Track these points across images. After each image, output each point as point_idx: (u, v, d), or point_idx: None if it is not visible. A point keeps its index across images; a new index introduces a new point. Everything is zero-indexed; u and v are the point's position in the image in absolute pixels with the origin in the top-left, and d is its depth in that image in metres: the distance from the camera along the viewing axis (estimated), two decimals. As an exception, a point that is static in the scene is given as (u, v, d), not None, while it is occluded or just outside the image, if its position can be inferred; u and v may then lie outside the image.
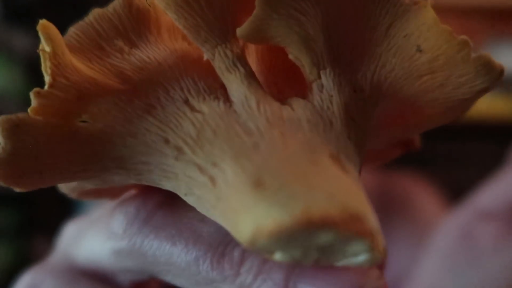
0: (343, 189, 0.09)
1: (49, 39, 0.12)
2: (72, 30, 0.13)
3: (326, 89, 0.12)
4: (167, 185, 0.12)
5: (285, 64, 0.13)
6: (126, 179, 0.13)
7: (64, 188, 0.15)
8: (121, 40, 0.14)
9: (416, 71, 0.13)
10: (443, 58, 0.12)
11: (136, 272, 0.14)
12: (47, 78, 0.12)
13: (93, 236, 0.15)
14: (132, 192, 0.14)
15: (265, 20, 0.12)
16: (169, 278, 0.13)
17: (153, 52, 0.14)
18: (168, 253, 0.13)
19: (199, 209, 0.12)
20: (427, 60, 0.12)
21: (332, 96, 0.12)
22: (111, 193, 0.15)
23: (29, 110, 0.11)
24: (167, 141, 0.12)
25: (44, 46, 0.12)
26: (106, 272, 0.15)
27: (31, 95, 0.12)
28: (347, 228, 0.09)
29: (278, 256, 0.10)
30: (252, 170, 0.10)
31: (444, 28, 0.12)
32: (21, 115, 0.11)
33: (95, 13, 0.14)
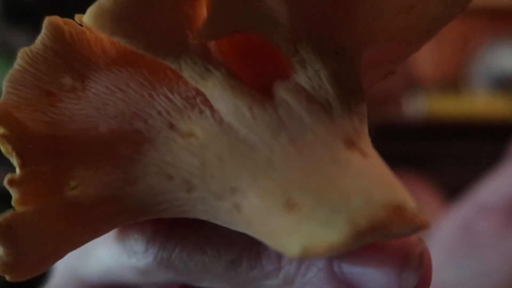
0: (373, 181, 0.09)
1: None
2: (7, 84, 0.12)
3: (309, 64, 0.12)
4: (187, 216, 0.12)
5: (252, 42, 0.12)
6: (142, 220, 0.12)
7: None
8: (68, 77, 0.12)
9: (392, 10, 0.12)
10: None
11: (164, 284, 0.14)
12: (14, 161, 0.10)
13: (105, 254, 0.14)
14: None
15: (225, 13, 0.11)
16: (205, 284, 0.13)
17: (109, 79, 0.12)
18: (201, 261, 0.12)
19: (230, 227, 0.11)
20: None
21: (318, 70, 0.11)
22: None
23: (13, 203, 0.10)
24: (170, 177, 0.11)
25: (-6, 128, 0.10)
26: (126, 286, 0.15)
27: (6, 185, 0.10)
28: (395, 224, 0.09)
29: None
30: (277, 190, 0.10)
31: None
32: (8, 214, 0.10)
33: (23, 56, 0.12)
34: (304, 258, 0.09)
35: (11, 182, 0.10)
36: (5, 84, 0.12)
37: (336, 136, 0.10)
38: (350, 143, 0.10)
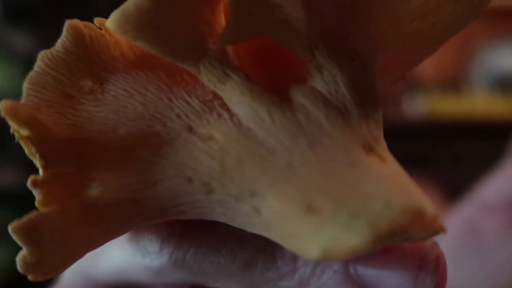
0: (392, 185, 0.09)
1: (21, 122, 0.10)
2: (27, 86, 0.12)
3: (325, 69, 0.12)
4: (206, 217, 0.12)
5: (268, 46, 0.12)
6: (157, 222, 0.12)
7: None
8: (87, 79, 0.12)
9: (407, 17, 0.12)
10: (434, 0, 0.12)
11: (179, 284, 0.14)
12: (38, 163, 0.10)
13: (118, 254, 0.15)
14: None
15: (244, 18, 0.11)
16: (219, 284, 0.13)
17: (127, 82, 0.12)
18: (216, 262, 0.13)
19: (247, 230, 0.12)
20: (418, 5, 0.12)
21: (335, 75, 0.12)
22: None
23: (36, 204, 0.10)
24: (190, 180, 0.11)
25: (19, 131, 0.10)
26: (139, 286, 0.15)
27: (30, 187, 0.10)
28: (415, 228, 0.09)
29: (342, 257, 0.10)
30: (297, 194, 0.10)
31: None
32: (32, 215, 0.10)
33: (43, 58, 0.12)
34: (324, 261, 0.09)
35: (35, 183, 0.10)
36: (25, 85, 0.12)
37: (354, 141, 0.10)
38: (369, 148, 0.10)
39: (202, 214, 0.12)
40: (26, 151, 0.10)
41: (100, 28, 0.12)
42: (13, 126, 0.10)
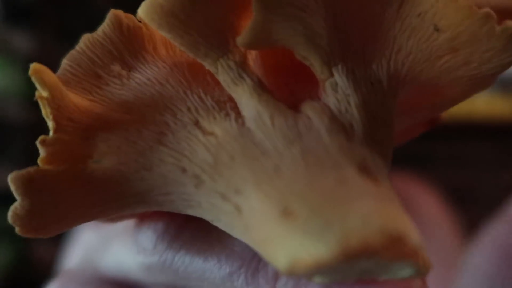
0: (378, 207, 0.09)
1: (44, 84, 0.11)
2: (65, 62, 0.13)
3: (341, 88, 0.12)
4: (192, 213, 0.12)
5: (294, 62, 0.12)
6: (148, 209, 0.12)
7: None
8: (117, 64, 0.13)
9: (435, 52, 0.12)
10: (465, 35, 0.11)
11: (167, 286, 0.14)
12: (50, 124, 0.11)
13: (120, 248, 0.15)
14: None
15: (265, 25, 0.11)
16: None
17: (152, 73, 0.13)
18: (201, 268, 0.12)
19: (230, 233, 0.11)
20: (446, 39, 0.11)
21: (349, 95, 0.11)
22: (138, 215, 0.15)
23: (38, 161, 0.11)
24: (184, 170, 0.11)
25: (41, 91, 0.11)
26: (135, 284, 0.15)
27: (38, 145, 0.11)
28: (389, 253, 0.08)
29: (317, 279, 0.10)
30: (277, 197, 0.09)
31: (462, 3, 0.11)
32: (32, 169, 0.11)
33: (85, 40, 0.13)
34: (291, 273, 0.09)
35: (43, 142, 0.11)
36: (63, 61, 0.13)
37: (350, 159, 0.10)
38: (364, 169, 0.10)
39: (189, 207, 0.12)
40: (43, 112, 0.11)
41: (140, 21, 0.13)
42: (37, 86, 0.11)
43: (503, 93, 0.97)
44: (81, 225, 0.18)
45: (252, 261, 0.12)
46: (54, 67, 0.12)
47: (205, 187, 0.11)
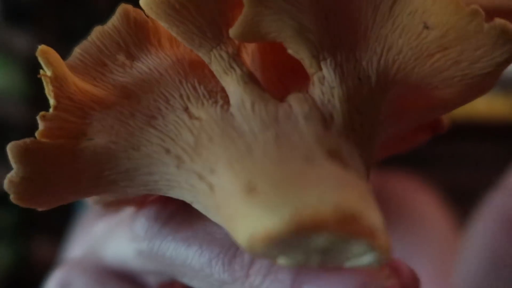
0: (339, 187, 0.09)
1: (49, 63, 0.12)
2: (77, 50, 0.14)
3: (327, 81, 0.12)
4: (174, 194, 0.12)
5: (290, 58, 0.13)
6: (136, 191, 0.13)
7: (90, 200, 0.15)
8: (122, 54, 0.14)
9: (426, 50, 0.12)
10: (453, 32, 0.11)
11: (159, 274, 0.14)
12: (51, 101, 0.12)
13: (119, 237, 0.15)
14: (153, 197, 0.15)
15: (255, 17, 0.12)
16: (186, 280, 0.13)
17: (153, 63, 0.14)
18: (184, 254, 0.13)
19: (207, 215, 0.12)
20: (436, 37, 0.11)
21: (333, 87, 0.12)
22: (134, 201, 0.16)
23: (36, 133, 0.12)
24: (168, 151, 0.12)
25: (45, 70, 0.12)
26: (134, 273, 0.15)
27: (38, 119, 0.12)
28: (342, 229, 0.08)
29: (282, 260, 0.10)
30: (244, 175, 0.10)
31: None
32: (28, 140, 0.12)
33: (96, 31, 0.14)
34: (251, 249, 0.09)
35: (42, 117, 0.12)
36: (75, 49, 0.14)
37: (322, 145, 0.10)
38: (334, 155, 0.10)
39: (171, 188, 0.12)
40: (46, 89, 0.12)
41: (148, 16, 0.14)
42: (42, 65, 0.12)
43: (504, 93, 0.93)
44: (86, 216, 0.19)
45: (231, 248, 0.12)
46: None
47: (185, 167, 0.11)
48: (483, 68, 0.11)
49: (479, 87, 0.12)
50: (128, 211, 0.16)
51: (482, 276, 0.18)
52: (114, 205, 0.16)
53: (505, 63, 0.11)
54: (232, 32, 0.12)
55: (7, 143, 0.12)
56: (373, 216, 0.08)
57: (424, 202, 0.25)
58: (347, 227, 0.08)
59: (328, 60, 0.12)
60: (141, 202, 0.15)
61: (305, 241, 0.08)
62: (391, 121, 0.13)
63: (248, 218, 0.09)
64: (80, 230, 0.21)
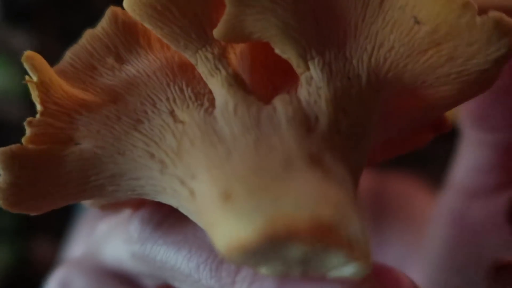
0: (317, 194, 0.08)
1: (35, 69, 0.12)
2: (67, 54, 0.14)
3: (314, 81, 0.11)
4: (161, 199, 0.12)
5: (280, 59, 0.12)
6: (125, 195, 0.13)
7: (85, 203, 0.15)
8: (112, 57, 0.14)
9: (418, 46, 0.11)
10: (445, 27, 0.10)
11: (153, 277, 0.14)
12: (38, 107, 0.12)
13: (116, 239, 0.15)
14: (149, 199, 0.15)
15: (238, 17, 0.11)
16: (177, 284, 0.13)
17: (142, 65, 0.13)
18: (173, 259, 0.13)
19: (193, 220, 0.11)
20: (428, 32, 0.11)
21: (320, 88, 0.11)
22: (131, 203, 0.16)
23: (23, 140, 0.12)
24: (152, 155, 0.12)
25: (31, 76, 0.12)
26: (130, 275, 0.15)
27: (25, 125, 0.12)
28: (316, 239, 0.08)
29: (263, 269, 0.09)
30: (222, 181, 0.09)
31: None
32: (15, 146, 0.12)
33: (87, 35, 0.14)
34: (229, 256, 0.08)
35: (29, 123, 0.12)
36: (66, 53, 0.14)
37: (303, 149, 0.10)
38: (315, 159, 0.10)
39: (157, 193, 0.12)
40: (32, 94, 0.12)
41: (137, 18, 0.14)
42: (28, 71, 0.12)
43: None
44: (86, 217, 0.19)
45: (218, 254, 0.12)
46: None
47: (168, 172, 0.11)
48: (479, 65, 0.11)
49: (477, 84, 0.12)
50: (128, 211, 0.16)
51: (440, 277, 0.18)
52: (110, 207, 0.16)
53: (502, 59, 0.11)
54: (216, 32, 0.12)
55: (7, 143, 0.12)
56: (351, 226, 0.08)
57: (424, 202, 0.24)
58: (322, 238, 0.08)
59: (316, 59, 0.12)
60: (138, 204, 0.15)
61: (281, 251, 0.08)
62: (388, 121, 0.13)
63: (223, 227, 0.09)
64: (80, 230, 0.22)
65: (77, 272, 0.16)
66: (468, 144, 0.18)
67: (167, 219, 0.13)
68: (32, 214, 0.13)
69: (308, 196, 0.08)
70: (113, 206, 0.15)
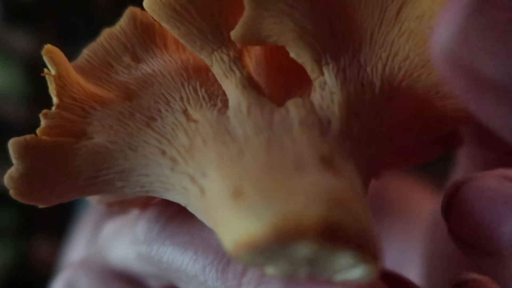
0: (327, 195, 0.08)
1: (53, 63, 0.12)
2: (85, 51, 0.14)
3: (328, 86, 0.11)
4: (169, 197, 0.12)
5: (295, 63, 0.13)
6: (134, 192, 0.13)
7: (92, 199, 0.15)
8: (128, 56, 0.14)
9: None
10: None
11: (159, 278, 0.14)
12: (54, 99, 0.12)
13: (122, 239, 0.15)
14: (156, 199, 0.15)
15: (256, 19, 0.11)
16: (183, 286, 0.13)
17: (158, 65, 0.14)
18: (180, 260, 0.13)
19: (200, 219, 0.11)
20: None
21: (334, 93, 0.11)
22: (138, 203, 0.16)
23: (37, 131, 0.12)
24: (164, 152, 0.12)
25: (49, 69, 0.12)
26: (136, 275, 0.15)
27: (40, 116, 0.12)
28: (324, 238, 0.08)
29: (269, 269, 0.09)
30: (233, 179, 0.09)
31: None
32: (29, 137, 0.12)
33: (105, 33, 0.14)
34: (237, 254, 0.08)
35: (45, 115, 0.12)
36: (84, 51, 0.14)
37: (315, 151, 0.10)
38: (327, 161, 0.10)
39: (166, 191, 0.12)
40: (49, 87, 0.12)
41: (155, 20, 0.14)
42: (47, 64, 0.12)
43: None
44: (87, 217, 0.19)
45: (225, 255, 0.12)
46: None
47: (179, 169, 0.11)
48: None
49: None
50: (134, 212, 0.16)
51: (437, 278, 0.18)
52: (117, 206, 0.16)
53: None
54: (233, 34, 0.12)
55: (7, 142, 0.12)
56: (361, 227, 0.08)
57: (424, 202, 0.24)
58: (331, 237, 0.08)
59: (331, 65, 0.12)
60: (144, 203, 0.15)
61: (289, 250, 0.08)
62: (399, 132, 0.13)
63: (233, 223, 0.09)
64: (81, 230, 0.22)
65: (83, 272, 0.16)
66: (468, 144, 0.18)
67: (174, 220, 0.13)
68: (40, 206, 0.13)
69: (319, 196, 0.08)
70: (119, 204, 0.15)
